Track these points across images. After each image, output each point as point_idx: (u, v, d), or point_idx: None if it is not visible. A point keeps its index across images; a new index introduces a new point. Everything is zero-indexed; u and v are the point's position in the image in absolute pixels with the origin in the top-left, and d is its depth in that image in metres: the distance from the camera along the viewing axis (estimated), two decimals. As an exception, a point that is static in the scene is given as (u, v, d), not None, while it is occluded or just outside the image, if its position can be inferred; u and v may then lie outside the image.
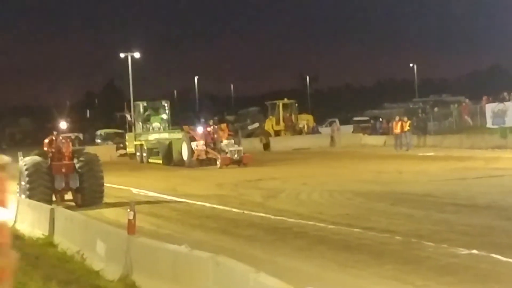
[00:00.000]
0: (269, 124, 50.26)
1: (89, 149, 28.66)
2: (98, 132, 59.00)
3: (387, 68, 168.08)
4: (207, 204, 20.40)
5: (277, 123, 50.40)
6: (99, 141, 56.44)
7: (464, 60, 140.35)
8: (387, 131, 49.38)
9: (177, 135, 38.16)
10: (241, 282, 8.02)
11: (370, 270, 10.85)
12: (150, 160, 38.08)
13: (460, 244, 12.22)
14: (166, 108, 42.68)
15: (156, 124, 41.21)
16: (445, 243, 12.44)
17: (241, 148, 33.08)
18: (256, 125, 53.73)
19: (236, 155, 32.01)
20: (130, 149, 42.50)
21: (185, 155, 33.95)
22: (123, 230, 11.06)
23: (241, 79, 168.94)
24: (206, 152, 33.33)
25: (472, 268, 10.60)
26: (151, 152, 38.27)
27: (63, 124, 23.47)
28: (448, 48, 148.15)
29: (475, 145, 37.71)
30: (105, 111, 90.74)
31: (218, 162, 32.27)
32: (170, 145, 35.70)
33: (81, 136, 57.44)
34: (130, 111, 45.75)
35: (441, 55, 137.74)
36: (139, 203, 19.18)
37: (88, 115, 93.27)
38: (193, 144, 33.45)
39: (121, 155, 51.22)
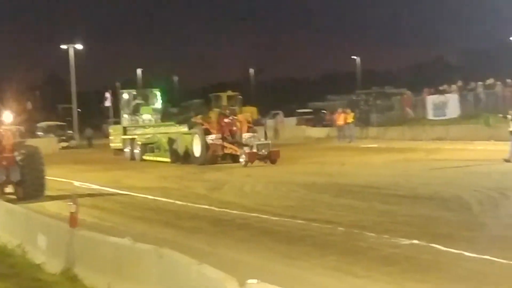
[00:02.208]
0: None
1: (31, 141, 27.90)
2: (40, 125, 57.84)
3: (330, 60, 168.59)
4: (150, 197, 20.37)
5: (221, 115, 50.36)
6: (40, 133, 55.40)
7: (407, 52, 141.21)
8: (330, 123, 49.70)
9: (181, 128, 35.08)
10: (184, 274, 8.02)
11: (313, 261, 10.89)
12: (145, 157, 33.71)
13: (401, 235, 12.37)
14: (158, 97, 38.38)
15: (147, 116, 36.83)
16: (387, 234, 12.57)
17: (269, 142, 29.09)
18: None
19: (263, 150, 27.69)
20: (115, 144, 37.51)
21: (197, 151, 29.59)
22: (65, 223, 10.91)
23: (184, 71, 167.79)
24: (223, 147, 29.33)
25: (413, 258, 10.71)
26: (145, 148, 34.02)
27: (7, 116, 22.62)
28: (391, 40, 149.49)
29: (417, 136, 38.34)
30: (47, 103, 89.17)
31: (241, 159, 27.79)
32: (175, 140, 31.47)
33: (22, 128, 56.03)
34: (108, 100, 41.42)
35: (384, 47, 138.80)
36: (81, 195, 18.93)
37: (29, 107, 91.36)
38: (208, 138, 29.28)
39: (64, 148, 50.54)
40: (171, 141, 31.59)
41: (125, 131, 36.17)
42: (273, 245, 12.56)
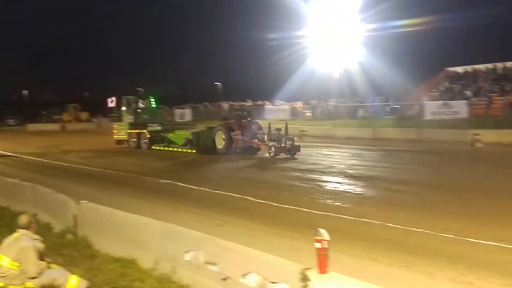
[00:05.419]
0: None
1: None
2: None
3: None
4: (32, 158, 30.65)
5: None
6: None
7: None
8: None
9: (188, 127, 40.69)
10: (47, 198, 13.27)
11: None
12: (153, 147, 37.73)
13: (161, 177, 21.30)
14: (153, 102, 42.69)
15: (145, 116, 40.82)
16: (156, 177, 21.51)
17: (293, 137, 31.81)
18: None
19: (288, 144, 30.18)
20: (119, 136, 41.19)
21: (221, 144, 32.81)
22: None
23: None
24: (243, 142, 32.35)
25: (169, 190, 19.06)
26: (154, 140, 38.30)
27: None
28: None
29: None
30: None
31: (270, 152, 30.08)
32: (197, 135, 34.83)
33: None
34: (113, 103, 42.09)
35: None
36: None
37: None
38: (232, 134, 32.64)
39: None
40: (195, 136, 34.55)
41: (131, 126, 40.02)
42: (96, 183, 21.10)
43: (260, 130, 33.02)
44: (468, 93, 52.70)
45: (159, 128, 39.59)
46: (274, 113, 58.23)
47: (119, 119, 40.52)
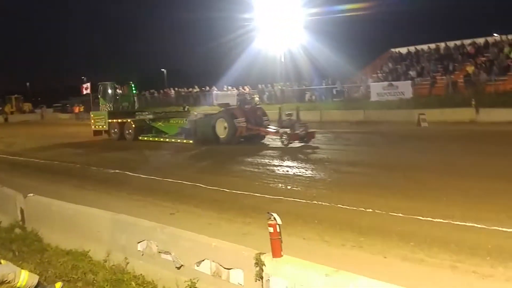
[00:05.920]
0: None
1: None
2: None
3: None
4: None
5: None
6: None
7: None
8: None
9: (181, 114, 35.67)
10: None
11: (66, 182, 18.76)
12: (141, 138, 34.21)
13: (109, 167, 21.65)
14: (134, 88, 40.23)
15: (125, 104, 38.67)
16: (102, 167, 21.82)
17: (306, 123, 28.35)
18: None
19: (302, 131, 27.19)
20: (98, 127, 37.45)
21: (223, 133, 29.43)
22: None
23: None
24: (248, 129, 29.15)
25: (116, 178, 19.28)
26: (141, 130, 34.70)
27: None
28: None
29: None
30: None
31: (283, 139, 27.11)
32: (195, 124, 31.26)
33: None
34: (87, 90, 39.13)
35: None
36: None
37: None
38: (236, 121, 29.10)
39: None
40: (192, 125, 31.43)
41: (111, 115, 36.79)
42: (42, 175, 20.89)
43: (265, 116, 30.08)
44: (412, 73, 53.24)
45: (150, 116, 35.65)
46: (222, 98, 58.21)
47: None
